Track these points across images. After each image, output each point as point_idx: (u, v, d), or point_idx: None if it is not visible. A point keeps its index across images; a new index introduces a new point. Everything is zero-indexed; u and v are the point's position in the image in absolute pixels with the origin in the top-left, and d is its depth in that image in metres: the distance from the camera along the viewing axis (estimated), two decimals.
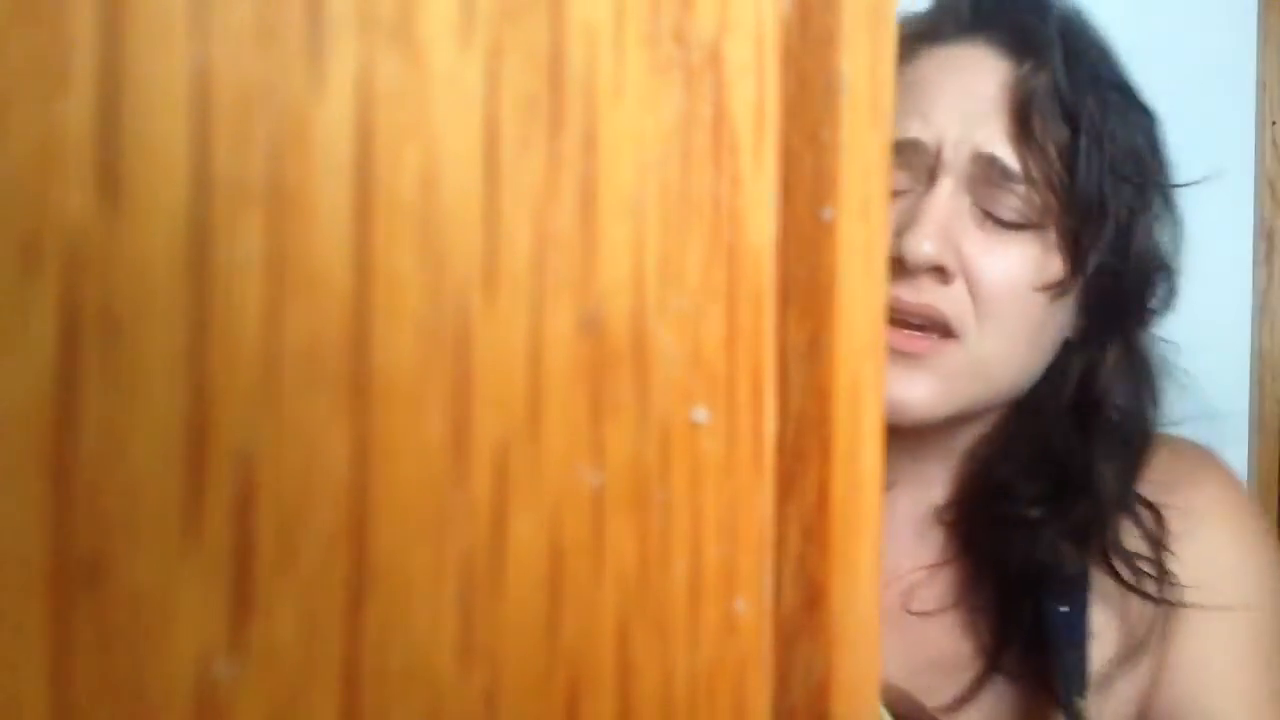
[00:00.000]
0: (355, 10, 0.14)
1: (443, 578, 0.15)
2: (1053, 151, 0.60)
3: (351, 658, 0.14)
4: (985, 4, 0.65)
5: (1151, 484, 0.64)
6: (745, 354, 0.17)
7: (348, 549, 0.14)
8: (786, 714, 0.17)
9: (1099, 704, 0.61)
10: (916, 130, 0.61)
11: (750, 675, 0.17)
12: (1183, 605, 0.61)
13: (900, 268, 0.59)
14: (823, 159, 0.18)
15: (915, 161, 0.61)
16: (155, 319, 0.13)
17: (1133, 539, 0.63)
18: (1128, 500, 0.63)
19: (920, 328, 0.60)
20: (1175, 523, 0.63)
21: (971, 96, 0.61)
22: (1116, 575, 0.62)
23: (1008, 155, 0.60)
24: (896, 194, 0.61)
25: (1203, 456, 0.68)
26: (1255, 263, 1.16)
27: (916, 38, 0.64)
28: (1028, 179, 0.60)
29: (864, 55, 0.18)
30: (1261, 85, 1.15)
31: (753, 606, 0.17)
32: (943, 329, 0.60)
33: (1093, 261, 0.61)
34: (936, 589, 0.65)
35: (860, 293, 0.18)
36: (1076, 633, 0.61)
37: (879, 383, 0.18)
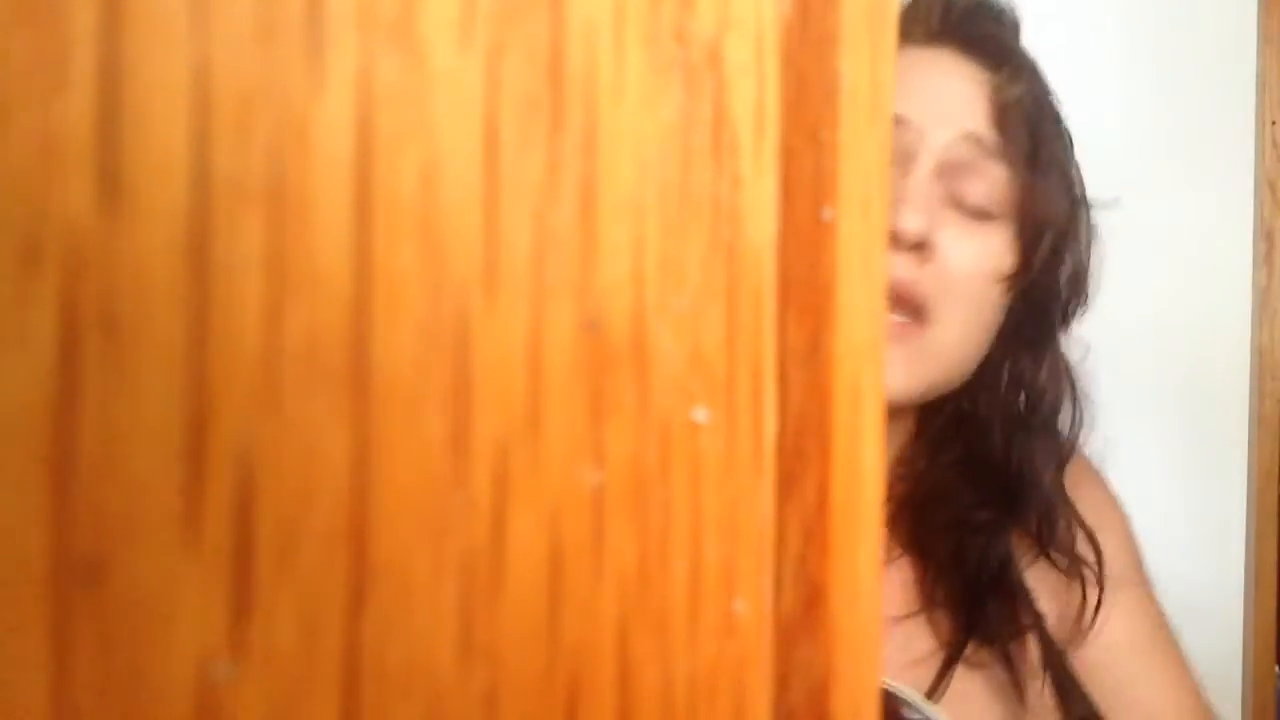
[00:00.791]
0: (355, 10, 0.14)
1: (443, 578, 0.15)
2: (1025, 146, 0.63)
3: (351, 658, 0.14)
4: (954, 14, 0.67)
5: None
6: (745, 354, 0.17)
7: (347, 549, 0.14)
8: (786, 714, 0.17)
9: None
10: (900, 108, 0.62)
11: (750, 675, 0.17)
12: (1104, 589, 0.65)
13: None
14: (823, 159, 0.18)
15: (896, 141, 0.62)
16: (155, 319, 0.13)
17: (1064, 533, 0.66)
18: (1065, 498, 0.66)
19: (892, 309, 0.61)
20: (1089, 516, 0.67)
21: (951, 88, 0.64)
22: (1057, 567, 0.65)
23: (989, 136, 0.62)
24: None
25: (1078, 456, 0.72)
26: (1255, 263, 1.16)
27: None
28: (1006, 159, 0.62)
29: (864, 55, 0.18)
30: (1261, 85, 1.14)
31: (753, 607, 0.17)
32: (915, 310, 0.61)
33: (1040, 260, 0.64)
34: (891, 590, 0.66)
35: (860, 293, 0.18)
36: (1029, 616, 0.64)
37: (879, 383, 0.18)
